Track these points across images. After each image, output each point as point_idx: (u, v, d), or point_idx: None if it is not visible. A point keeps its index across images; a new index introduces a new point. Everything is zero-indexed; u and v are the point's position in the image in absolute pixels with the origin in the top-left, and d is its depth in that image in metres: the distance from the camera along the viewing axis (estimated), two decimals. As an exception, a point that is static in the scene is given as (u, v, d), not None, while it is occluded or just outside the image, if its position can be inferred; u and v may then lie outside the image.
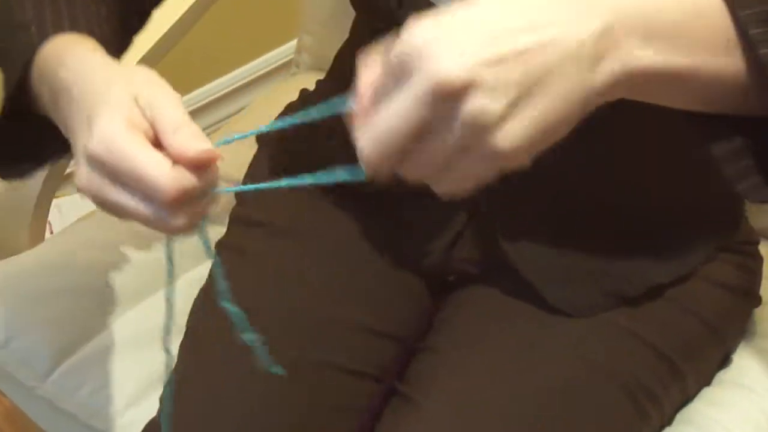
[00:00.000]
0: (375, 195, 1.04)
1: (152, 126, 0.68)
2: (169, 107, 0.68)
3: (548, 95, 0.56)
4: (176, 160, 0.66)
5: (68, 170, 1.86)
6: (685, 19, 0.61)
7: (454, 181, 0.59)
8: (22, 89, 0.80)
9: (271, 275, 1.02)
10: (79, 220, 1.23)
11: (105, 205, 0.70)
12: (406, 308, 1.03)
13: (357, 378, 0.97)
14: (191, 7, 1.27)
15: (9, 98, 0.81)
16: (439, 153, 0.57)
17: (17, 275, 1.14)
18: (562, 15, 0.57)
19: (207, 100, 2.11)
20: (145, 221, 0.68)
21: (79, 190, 0.70)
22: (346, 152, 1.04)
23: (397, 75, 0.56)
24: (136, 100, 0.69)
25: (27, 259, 1.16)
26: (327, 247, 1.04)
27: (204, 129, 2.09)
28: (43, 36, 0.80)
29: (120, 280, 1.13)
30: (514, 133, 0.55)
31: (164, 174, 0.65)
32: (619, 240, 0.98)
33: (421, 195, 1.00)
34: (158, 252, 1.17)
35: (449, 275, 1.05)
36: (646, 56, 0.60)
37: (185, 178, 0.66)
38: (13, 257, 1.17)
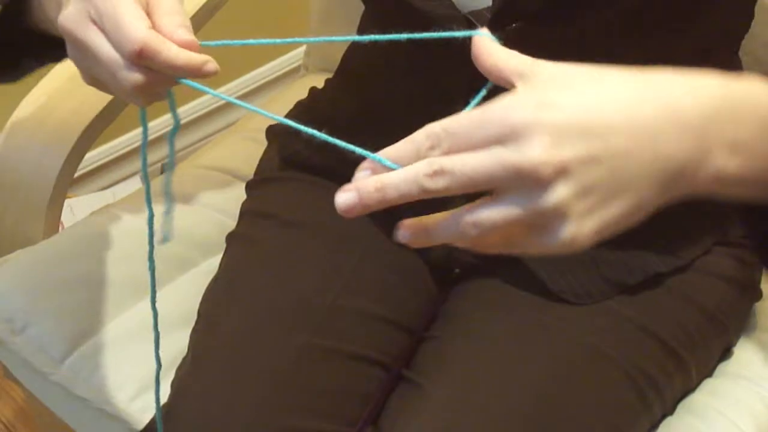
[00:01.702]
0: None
1: (148, 3, 0.71)
2: None
3: (627, 201, 0.57)
4: None
5: (76, 174, 1.88)
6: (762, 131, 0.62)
7: (494, 246, 0.60)
8: None
9: (281, 264, 1.03)
10: (93, 213, 1.25)
11: (77, 42, 0.72)
12: (413, 298, 1.05)
13: (365, 364, 0.98)
14: (197, 12, 1.29)
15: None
16: (498, 221, 0.57)
17: (33, 265, 1.16)
18: (659, 121, 0.58)
19: (215, 105, 2.12)
20: (106, 67, 0.70)
21: (60, 23, 0.72)
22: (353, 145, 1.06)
23: (489, 136, 0.56)
24: None
25: (42, 249, 1.17)
26: (336, 238, 1.05)
27: (212, 134, 2.12)
28: None
29: (132, 270, 1.14)
30: (583, 229, 0.57)
31: (139, 28, 0.68)
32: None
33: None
34: (171, 244, 1.18)
35: (454, 267, 1.06)
36: (731, 165, 0.61)
37: (156, 42, 0.68)
38: (29, 247, 1.18)
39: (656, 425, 1.00)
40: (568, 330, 0.95)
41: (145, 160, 0.78)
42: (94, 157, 1.98)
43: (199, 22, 1.29)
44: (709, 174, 0.60)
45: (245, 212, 1.13)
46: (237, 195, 1.19)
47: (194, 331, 1.02)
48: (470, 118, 0.57)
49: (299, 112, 1.19)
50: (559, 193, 0.55)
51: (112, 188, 2.01)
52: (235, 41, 0.75)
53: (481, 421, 0.89)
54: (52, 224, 1.20)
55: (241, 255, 1.06)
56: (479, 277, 1.04)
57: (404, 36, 0.68)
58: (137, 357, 1.07)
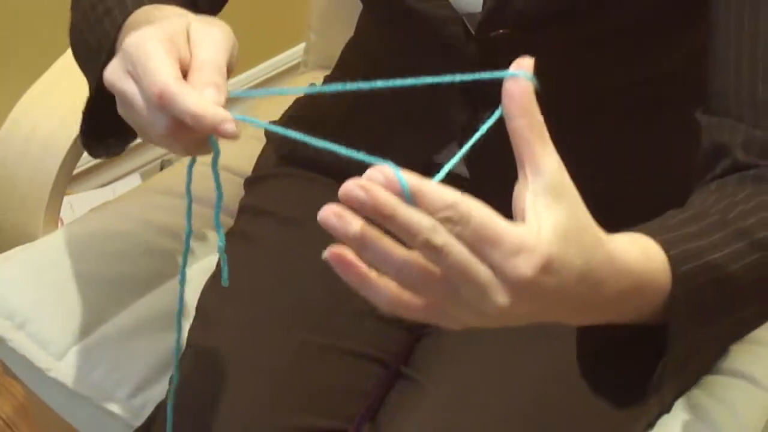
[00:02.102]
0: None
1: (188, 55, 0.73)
2: (207, 46, 0.73)
3: (562, 314, 0.64)
4: None
5: (76, 171, 1.88)
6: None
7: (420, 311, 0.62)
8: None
9: (279, 262, 1.03)
10: (93, 210, 1.25)
11: (118, 94, 0.74)
12: (412, 295, 1.05)
13: (363, 361, 0.98)
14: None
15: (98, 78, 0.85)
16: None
17: (32, 262, 1.16)
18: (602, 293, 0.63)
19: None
20: (139, 115, 0.72)
21: (105, 78, 0.74)
22: (351, 143, 1.07)
23: (491, 256, 0.57)
24: (187, 29, 0.74)
25: (42, 246, 1.17)
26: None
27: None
28: (125, 13, 0.85)
29: (132, 267, 1.15)
30: (524, 314, 0.60)
31: (163, 73, 0.69)
32: (614, 227, 1.00)
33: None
34: (169, 241, 1.19)
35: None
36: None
37: (175, 88, 0.69)
38: (28, 245, 1.18)
39: (653, 423, 1.01)
40: (567, 329, 0.95)
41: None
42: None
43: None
44: (600, 303, 0.65)
45: (243, 209, 1.14)
46: (237, 192, 1.19)
47: (192, 327, 1.03)
48: (487, 226, 0.58)
49: (298, 109, 1.19)
50: (529, 266, 0.58)
51: (112, 185, 2.01)
52: (259, 91, 0.76)
53: (480, 420, 0.89)
54: (52, 221, 1.20)
55: (239, 252, 1.06)
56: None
57: (415, 81, 0.71)
58: (136, 354, 1.08)
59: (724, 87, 0.81)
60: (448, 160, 1.02)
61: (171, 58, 0.71)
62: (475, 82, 0.94)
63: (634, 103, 0.97)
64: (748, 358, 1.07)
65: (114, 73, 0.74)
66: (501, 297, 0.58)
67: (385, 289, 0.61)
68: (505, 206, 0.98)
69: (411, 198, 0.57)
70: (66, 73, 1.23)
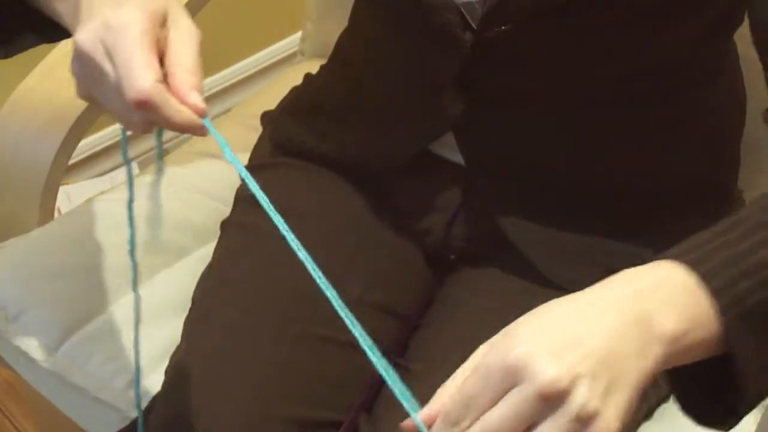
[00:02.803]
0: (375, 176, 1.06)
1: (164, 42, 0.74)
2: (187, 40, 0.75)
3: (626, 384, 0.62)
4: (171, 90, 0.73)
5: (73, 160, 1.88)
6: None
7: None
8: None
9: (276, 253, 1.02)
10: (88, 200, 1.25)
11: (92, 67, 0.74)
12: (408, 285, 1.05)
13: (360, 352, 0.98)
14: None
15: None
16: None
17: (28, 252, 1.15)
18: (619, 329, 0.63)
19: (211, 92, 2.11)
20: (105, 93, 0.74)
21: (79, 46, 0.74)
22: (348, 131, 1.07)
23: (499, 383, 0.61)
24: (165, 12, 0.75)
25: (37, 236, 1.17)
26: (330, 226, 1.05)
27: (211, 119, 2.11)
28: None
29: (127, 257, 1.13)
30: (608, 419, 0.61)
31: (147, 79, 0.71)
32: (613, 218, 1.00)
33: (418, 175, 1.03)
34: (167, 231, 1.18)
35: (450, 254, 1.06)
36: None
37: (159, 98, 0.71)
38: (23, 235, 1.18)
39: (652, 412, 1.01)
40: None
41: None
42: (91, 143, 1.98)
43: (193, 8, 1.29)
44: (665, 344, 0.64)
45: (239, 199, 1.13)
46: (232, 182, 1.19)
47: (188, 319, 1.02)
48: (472, 382, 0.62)
49: (294, 98, 1.19)
50: (582, 392, 0.60)
51: (109, 174, 2.01)
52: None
53: None
54: (47, 211, 1.20)
55: (236, 243, 1.06)
56: (475, 264, 1.04)
57: None
58: (131, 345, 1.07)
59: None
60: (442, 149, 1.02)
61: (152, 53, 0.72)
62: (469, 72, 0.94)
63: (635, 93, 0.96)
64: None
65: (92, 47, 0.73)
66: (546, 372, 0.60)
67: None
68: (501, 192, 0.98)
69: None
70: (63, 62, 1.23)
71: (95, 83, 0.75)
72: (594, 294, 0.66)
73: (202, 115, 0.74)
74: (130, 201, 0.86)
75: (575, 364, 0.61)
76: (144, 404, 1.01)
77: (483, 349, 0.66)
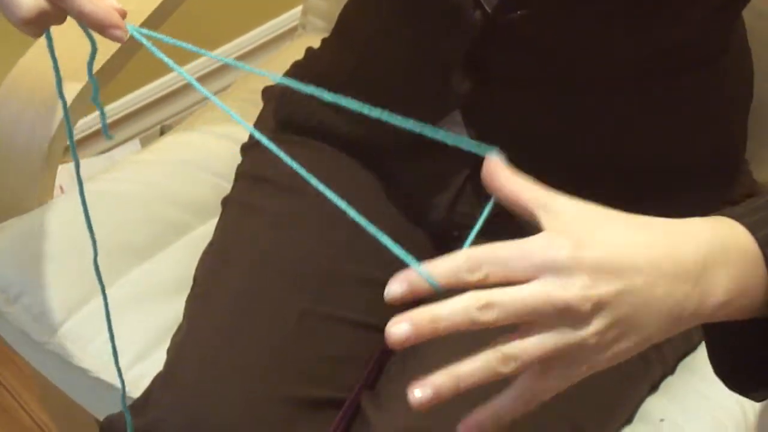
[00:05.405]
0: (378, 152, 1.05)
1: None
2: None
3: (639, 336, 0.63)
4: None
5: (76, 137, 1.87)
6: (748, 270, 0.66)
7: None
8: None
9: (278, 230, 1.02)
10: (88, 179, 1.24)
11: None
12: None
13: (364, 330, 0.98)
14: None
15: None
16: (537, 354, 0.61)
17: (27, 232, 1.15)
18: (665, 266, 0.63)
19: (211, 68, 2.11)
20: None
21: None
22: (347, 111, 1.06)
23: (530, 267, 0.60)
24: None
25: (37, 216, 1.16)
26: (332, 203, 1.04)
27: (213, 94, 2.10)
28: None
29: (128, 237, 1.14)
30: (601, 360, 0.62)
31: None
32: (621, 194, 0.99)
33: (422, 152, 1.02)
34: (169, 209, 1.17)
35: (453, 230, 1.06)
36: (725, 303, 0.65)
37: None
38: (23, 215, 1.17)
39: (657, 385, 1.00)
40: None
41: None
42: (92, 120, 1.97)
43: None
44: (705, 314, 0.65)
45: (240, 176, 1.13)
46: (233, 158, 1.18)
47: (190, 297, 1.02)
48: (511, 249, 0.61)
49: (295, 72, 1.18)
50: (597, 325, 0.60)
51: (110, 152, 2.00)
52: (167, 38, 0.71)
53: (479, 388, 0.89)
54: (46, 191, 1.19)
55: (237, 220, 1.06)
56: (479, 242, 1.03)
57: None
58: (133, 325, 1.07)
59: None
60: (449, 128, 1.01)
61: None
62: (477, 51, 0.93)
63: (644, 72, 0.95)
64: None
65: None
66: (577, 287, 0.59)
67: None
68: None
69: (434, 280, 0.62)
70: (61, 39, 1.21)
71: None
72: (666, 233, 0.65)
73: (123, 15, 0.68)
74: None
75: (607, 295, 0.60)
76: (145, 384, 1.01)
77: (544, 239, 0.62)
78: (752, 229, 0.66)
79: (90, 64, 0.73)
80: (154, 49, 0.69)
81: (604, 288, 0.60)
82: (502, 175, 0.65)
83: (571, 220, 0.62)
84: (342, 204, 0.66)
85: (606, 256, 0.61)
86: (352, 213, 0.66)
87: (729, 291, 0.64)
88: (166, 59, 0.69)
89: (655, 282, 0.62)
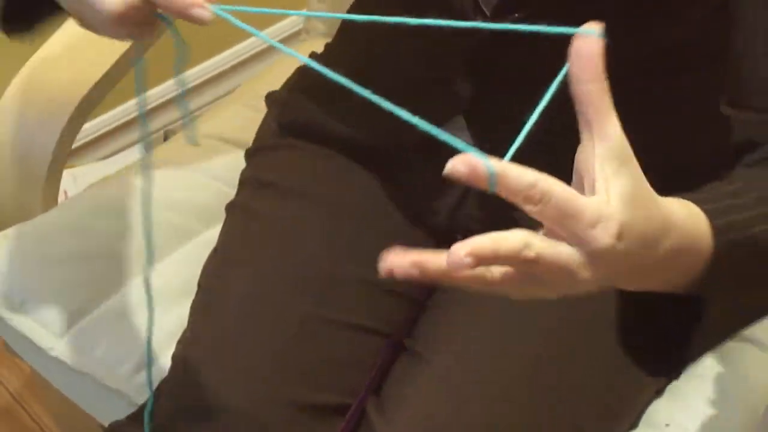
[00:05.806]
0: (382, 156, 1.05)
1: None
2: None
3: (629, 282, 0.68)
4: None
5: (79, 143, 1.88)
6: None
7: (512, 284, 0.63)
8: None
9: (282, 235, 1.02)
10: (92, 185, 1.24)
11: None
12: (415, 266, 1.04)
13: (367, 334, 0.98)
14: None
15: None
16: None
17: (32, 239, 1.15)
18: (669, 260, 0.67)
19: (215, 72, 2.11)
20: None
21: None
22: (353, 112, 1.06)
23: (573, 232, 0.61)
24: None
25: (41, 223, 1.16)
26: (336, 208, 1.04)
27: (211, 101, 2.10)
28: None
29: (131, 243, 1.14)
30: (597, 280, 0.63)
31: None
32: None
33: (426, 155, 1.02)
34: (173, 215, 1.17)
35: (456, 233, 1.06)
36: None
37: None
38: (27, 221, 1.17)
39: (662, 390, 1.00)
40: (569, 298, 0.94)
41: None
42: (96, 125, 1.97)
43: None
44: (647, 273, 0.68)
45: (244, 181, 1.13)
46: (237, 163, 1.18)
47: (194, 302, 1.02)
48: (568, 201, 0.61)
49: (302, 76, 1.18)
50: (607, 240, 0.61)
51: (114, 157, 2.01)
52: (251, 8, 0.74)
53: (483, 391, 0.89)
54: (50, 197, 1.19)
55: (241, 226, 1.06)
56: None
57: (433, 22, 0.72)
58: (138, 331, 1.07)
59: (748, 79, 0.85)
60: (452, 130, 1.01)
61: None
62: (479, 55, 0.93)
63: (644, 72, 0.95)
64: (759, 323, 1.06)
65: None
66: (585, 272, 0.62)
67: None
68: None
69: (495, 180, 0.60)
70: (67, 43, 1.22)
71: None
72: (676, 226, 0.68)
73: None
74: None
75: (615, 277, 0.64)
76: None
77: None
78: (709, 214, 0.70)
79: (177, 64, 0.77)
80: (238, 21, 0.74)
81: (600, 273, 0.63)
82: (591, 67, 0.66)
83: (620, 194, 0.63)
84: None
85: (634, 251, 0.63)
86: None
87: (675, 245, 0.67)
88: (250, 29, 0.74)
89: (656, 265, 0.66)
